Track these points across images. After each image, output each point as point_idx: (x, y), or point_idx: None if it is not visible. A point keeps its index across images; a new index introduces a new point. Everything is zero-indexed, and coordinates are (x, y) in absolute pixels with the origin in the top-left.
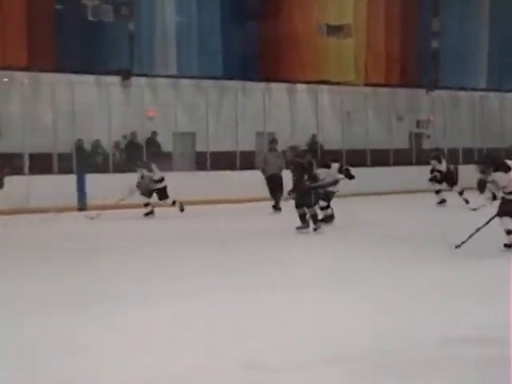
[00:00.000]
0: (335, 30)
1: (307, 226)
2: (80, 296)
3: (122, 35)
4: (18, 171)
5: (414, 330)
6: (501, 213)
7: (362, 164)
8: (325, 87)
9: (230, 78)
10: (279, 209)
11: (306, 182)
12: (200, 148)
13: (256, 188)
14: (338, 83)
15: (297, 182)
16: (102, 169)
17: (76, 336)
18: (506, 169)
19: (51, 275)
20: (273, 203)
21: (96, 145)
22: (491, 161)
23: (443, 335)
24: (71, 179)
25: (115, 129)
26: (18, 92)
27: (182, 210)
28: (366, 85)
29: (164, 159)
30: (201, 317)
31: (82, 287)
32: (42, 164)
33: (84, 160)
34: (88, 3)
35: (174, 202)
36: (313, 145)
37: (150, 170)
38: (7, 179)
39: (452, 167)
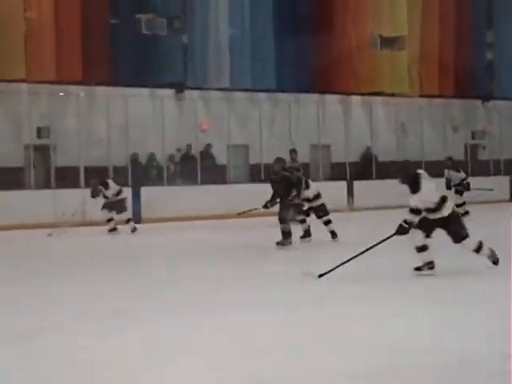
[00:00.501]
0: (389, 42)
1: (290, 243)
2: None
3: (176, 48)
4: (74, 184)
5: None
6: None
7: None
8: (379, 99)
9: (283, 91)
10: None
11: (292, 198)
12: (253, 160)
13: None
14: (393, 94)
15: (282, 196)
16: (157, 182)
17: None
18: (416, 189)
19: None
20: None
21: (151, 158)
22: (406, 178)
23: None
24: (126, 192)
25: (169, 142)
26: (73, 106)
27: (133, 230)
28: (421, 96)
29: (219, 171)
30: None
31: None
32: (98, 177)
33: (139, 173)
34: (142, 17)
35: (128, 220)
36: (367, 156)
37: (107, 188)
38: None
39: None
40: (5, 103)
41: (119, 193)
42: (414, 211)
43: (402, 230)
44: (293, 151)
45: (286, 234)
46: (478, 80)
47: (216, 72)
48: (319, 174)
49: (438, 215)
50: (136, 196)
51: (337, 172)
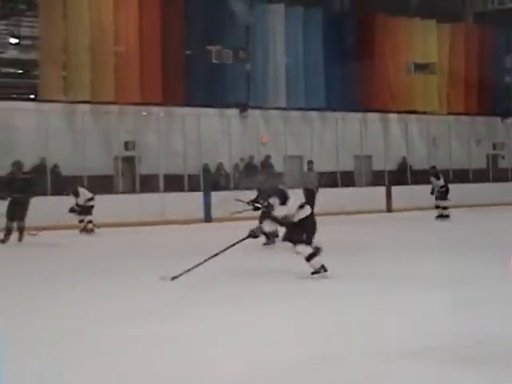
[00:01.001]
0: (422, 68)
1: (273, 241)
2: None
3: (240, 74)
4: (155, 189)
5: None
6: (286, 238)
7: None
8: (413, 116)
9: (332, 110)
10: None
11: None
12: (305, 169)
13: (352, 202)
14: (425, 113)
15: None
16: (225, 187)
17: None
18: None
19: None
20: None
21: (219, 167)
22: (275, 193)
23: None
24: (199, 196)
25: (235, 153)
26: (154, 123)
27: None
28: (449, 114)
29: (277, 178)
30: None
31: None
32: (175, 184)
33: (210, 180)
34: (212, 49)
35: (90, 222)
36: (403, 165)
37: (77, 195)
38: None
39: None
40: (98, 121)
41: (90, 199)
42: (276, 219)
43: (253, 234)
44: (310, 162)
45: (272, 235)
46: (498, 100)
47: (274, 94)
48: (362, 180)
49: (293, 220)
50: (207, 199)
51: (377, 179)
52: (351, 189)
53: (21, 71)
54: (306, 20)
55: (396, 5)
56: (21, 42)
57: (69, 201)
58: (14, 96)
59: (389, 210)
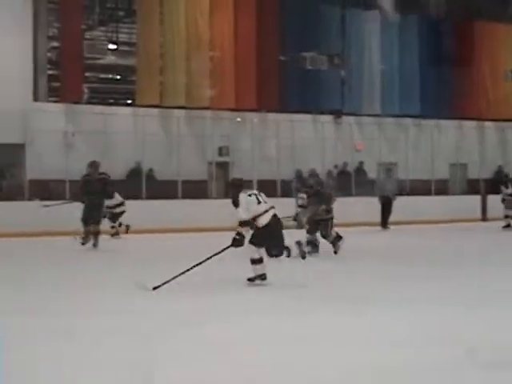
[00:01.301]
0: None
1: (316, 251)
2: None
3: (335, 81)
4: None
5: None
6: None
7: None
8: (510, 124)
9: (427, 117)
10: (387, 227)
11: (322, 212)
12: (401, 176)
13: (447, 210)
14: None
15: (313, 209)
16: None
17: None
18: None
19: None
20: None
21: (312, 173)
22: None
23: None
24: (291, 201)
25: (328, 160)
26: (248, 129)
27: (116, 234)
28: None
29: (370, 185)
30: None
31: None
32: (268, 189)
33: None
34: (306, 55)
35: (120, 225)
36: (499, 173)
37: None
38: None
39: None
40: (192, 127)
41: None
42: (242, 223)
43: (236, 243)
44: (388, 169)
45: (313, 244)
46: None
47: (369, 100)
48: (456, 188)
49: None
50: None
51: (472, 187)
52: (445, 197)
53: (118, 77)
54: (402, 26)
55: (494, 11)
56: (119, 48)
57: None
58: (112, 101)
59: (484, 219)
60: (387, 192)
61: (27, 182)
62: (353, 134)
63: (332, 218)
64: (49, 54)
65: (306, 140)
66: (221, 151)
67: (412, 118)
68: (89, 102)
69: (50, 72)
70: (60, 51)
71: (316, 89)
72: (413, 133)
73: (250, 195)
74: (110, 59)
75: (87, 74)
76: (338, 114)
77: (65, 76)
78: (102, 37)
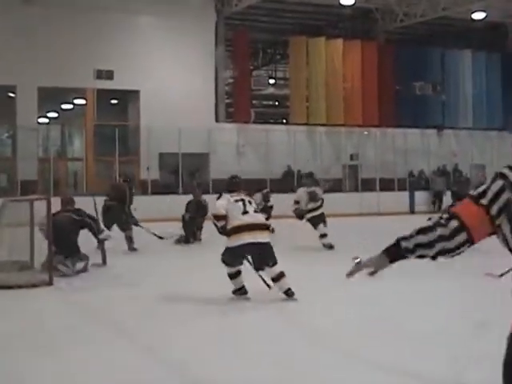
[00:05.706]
0: None
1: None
2: None
3: (437, 103)
4: (373, 189)
5: None
6: None
7: None
8: None
9: (508, 129)
10: None
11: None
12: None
13: None
14: None
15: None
16: (425, 188)
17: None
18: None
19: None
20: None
21: (421, 173)
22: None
23: None
24: (405, 195)
25: (432, 162)
26: (372, 140)
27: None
28: None
29: (463, 183)
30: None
31: None
32: (387, 185)
33: (413, 183)
34: (416, 84)
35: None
36: None
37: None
38: None
39: None
40: (331, 139)
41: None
42: (217, 217)
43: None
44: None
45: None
46: None
47: (463, 117)
48: None
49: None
50: (412, 197)
51: None
52: None
53: (276, 103)
54: (488, 61)
55: None
56: (276, 82)
57: None
58: (271, 121)
59: None
60: (438, 187)
61: (211, 180)
62: (451, 143)
63: None
64: (226, 88)
65: (415, 148)
66: (352, 157)
67: (496, 131)
68: (255, 122)
69: (227, 100)
70: (234, 85)
71: (423, 109)
72: (496, 142)
73: (236, 200)
74: (270, 90)
75: (254, 102)
76: (440, 128)
77: (237, 103)
78: (264, 74)
